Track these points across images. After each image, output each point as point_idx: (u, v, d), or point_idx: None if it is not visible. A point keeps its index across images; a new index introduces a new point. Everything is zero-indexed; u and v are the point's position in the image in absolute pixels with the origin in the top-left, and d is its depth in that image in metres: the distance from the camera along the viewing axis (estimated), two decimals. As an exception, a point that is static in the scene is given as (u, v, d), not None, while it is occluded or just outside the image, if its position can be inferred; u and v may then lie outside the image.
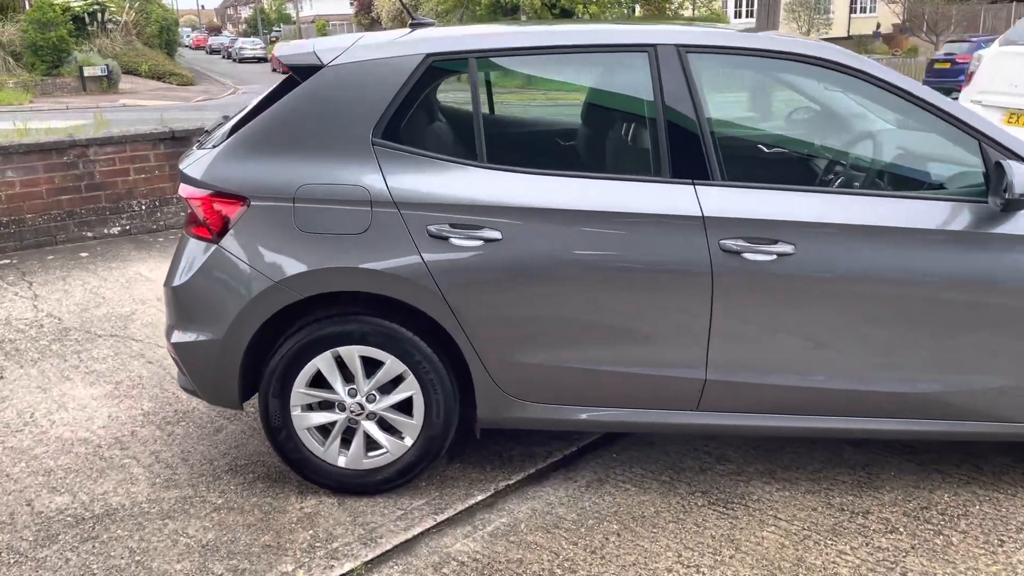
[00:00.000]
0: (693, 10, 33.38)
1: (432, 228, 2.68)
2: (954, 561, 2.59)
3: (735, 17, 39.52)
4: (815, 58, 2.77)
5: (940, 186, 2.92)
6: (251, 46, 52.54)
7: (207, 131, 3.27)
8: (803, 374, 2.76)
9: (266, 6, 75.56)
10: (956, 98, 7.16)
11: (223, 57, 56.42)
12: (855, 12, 42.79)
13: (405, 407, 2.87)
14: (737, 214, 2.65)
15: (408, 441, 2.90)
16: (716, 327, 2.71)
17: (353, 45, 2.85)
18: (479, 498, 2.95)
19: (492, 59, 2.95)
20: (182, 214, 6.99)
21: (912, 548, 2.65)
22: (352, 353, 2.80)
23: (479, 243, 2.68)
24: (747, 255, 2.64)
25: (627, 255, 2.69)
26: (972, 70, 7.40)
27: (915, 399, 2.77)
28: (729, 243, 2.64)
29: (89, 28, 28.23)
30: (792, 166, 3.43)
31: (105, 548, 2.71)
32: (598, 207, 2.68)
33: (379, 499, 2.95)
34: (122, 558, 2.66)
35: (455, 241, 2.68)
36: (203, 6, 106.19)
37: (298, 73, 2.85)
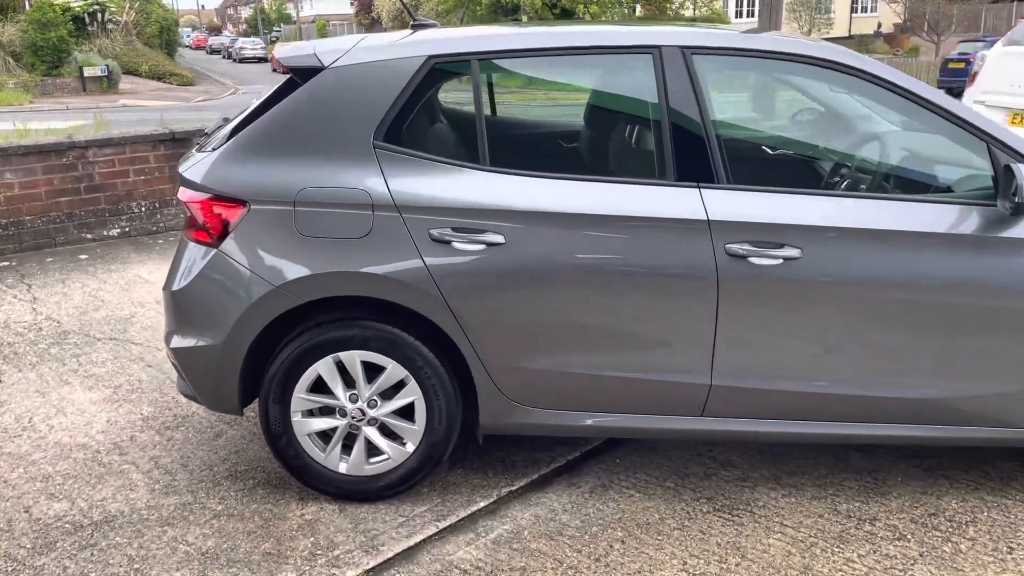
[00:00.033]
0: (694, 10, 33.36)
1: (434, 232, 2.65)
2: (963, 569, 2.56)
3: (736, 17, 39.51)
4: (821, 59, 2.74)
5: (948, 189, 2.89)
6: (251, 46, 52.51)
7: (207, 133, 3.24)
8: (810, 379, 2.73)
9: (266, 6, 75.56)
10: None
11: (223, 57, 56.40)
12: (856, 12, 42.79)
13: (407, 413, 2.84)
14: (743, 218, 2.62)
15: (410, 447, 2.87)
16: (721, 332, 2.68)
17: (354, 47, 2.82)
18: (482, 504, 2.92)
19: (495, 61, 2.91)
20: (182, 216, 6.95)
21: (920, 556, 2.62)
22: (353, 358, 2.77)
23: (482, 247, 2.65)
24: (753, 259, 2.61)
25: (631, 259, 2.66)
26: (976, 70, 7.37)
27: (922, 404, 2.74)
28: (735, 247, 2.61)
29: (89, 28, 28.21)
30: (798, 169, 3.40)
31: (104, 556, 2.68)
32: (602, 211, 2.65)
33: (381, 506, 2.92)
34: (120, 566, 2.63)
35: (457, 245, 2.65)
36: (203, 6, 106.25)
37: (299, 75, 2.82)
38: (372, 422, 2.85)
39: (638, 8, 32.81)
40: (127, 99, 23.81)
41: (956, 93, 7.55)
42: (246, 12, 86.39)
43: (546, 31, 3.03)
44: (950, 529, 2.76)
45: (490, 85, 3.69)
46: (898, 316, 2.66)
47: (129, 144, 6.74)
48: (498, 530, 2.79)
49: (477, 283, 2.67)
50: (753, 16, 37.85)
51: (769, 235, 2.61)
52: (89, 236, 6.69)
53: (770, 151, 3.49)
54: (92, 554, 2.69)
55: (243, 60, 51.01)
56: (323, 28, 62.52)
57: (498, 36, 2.97)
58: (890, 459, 3.18)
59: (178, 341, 2.86)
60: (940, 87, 17.58)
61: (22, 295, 5.36)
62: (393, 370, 2.77)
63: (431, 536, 2.76)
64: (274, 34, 67.14)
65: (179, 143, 6.91)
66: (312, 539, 2.75)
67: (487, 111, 3.39)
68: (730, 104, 3.79)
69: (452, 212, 2.66)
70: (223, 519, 2.87)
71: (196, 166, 2.82)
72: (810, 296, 2.64)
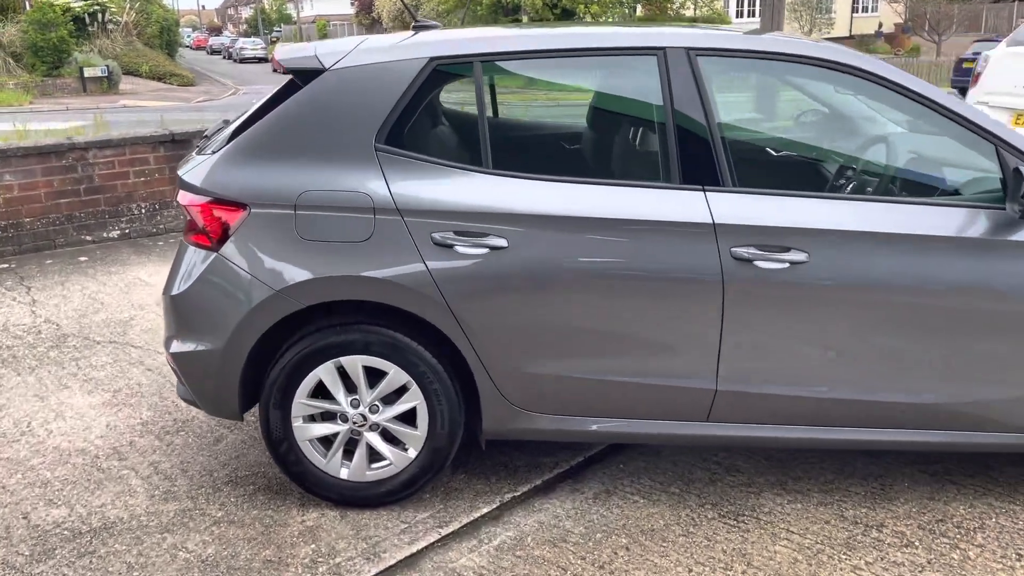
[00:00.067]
0: (695, 10, 33.33)
1: (437, 236, 2.62)
2: (972, 577, 2.53)
3: (736, 17, 39.50)
4: (826, 61, 2.71)
5: (955, 192, 2.86)
6: (252, 46, 52.51)
7: (206, 136, 3.21)
8: (816, 384, 2.70)
9: (267, 6, 75.52)
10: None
11: (224, 57, 56.38)
12: (857, 12, 42.77)
13: (409, 418, 2.81)
14: (748, 221, 2.59)
15: (412, 453, 2.84)
16: (727, 337, 2.65)
17: (356, 48, 2.79)
18: (484, 511, 2.89)
19: (498, 63, 2.88)
20: (182, 218, 6.93)
21: (928, 563, 2.59)
22: (355, 363, 2.74)
23: (485, 251, 2.62)
24: (759, 263, 2.58)
25: (636, 263, 2.63)
26: (979, 71, 7.34)
27: (930, 409, 2.71)
28: (741, 251, 2.58)
29: (89, 29, 28.20)
30: (804, 171, 3.36)
31: (103, 563, 2.65)
32: (606, 214, 2.62)
33: (382, 512, 2.89)
34: (120, 574, 2.60)
35: (460, 249, 2.62)
36: (204, 6, 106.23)
37: (300, 77, 2.79)
38: (374, 427, 2.82)
39: (639, 8, 32.77)
40: (127, 100, 23.80)
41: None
42: (246, 12, 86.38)
43: (549, 33, 3.00)
44: (958, 536, 2.73)
45: (492, 87, 3.66)
46: (905, 320, 2.63)
47: (129, 146, 6.71)
48: (501, 537, 2.76)
49: (480, 287, 2.64)
50: (754, 16, 37.81)
51: (775, 239, 2.58)
52: (89, 238, 6.66)
53: (775, 153, 3.46)
54: (91, 561, 2.66)
55: (243, 60, 50.99)
56: (323, 28, 62.48)
57: (501, 38, 2.94)
58: (896, 464, 3.15)
59: (178, 346, 2.83)
60: (954, 87, 17.51)
61: (21, 297, 5.34)
62: (395, 375, 2.75)
63: (433, 543, 2.73)
64: (274, 34, 67.11)
65: (179, 144, 6.88)
66: (313, 546, 2.72)
67: (489, 113, 3.36)
68: (733, 105, 3.76)
69: (455, 215, 2.63)
70: (223, 526, 2.84)
71: (196, 169, 2.79)
72: (817, 300, 2.61)
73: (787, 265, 2.57)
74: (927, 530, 2.75)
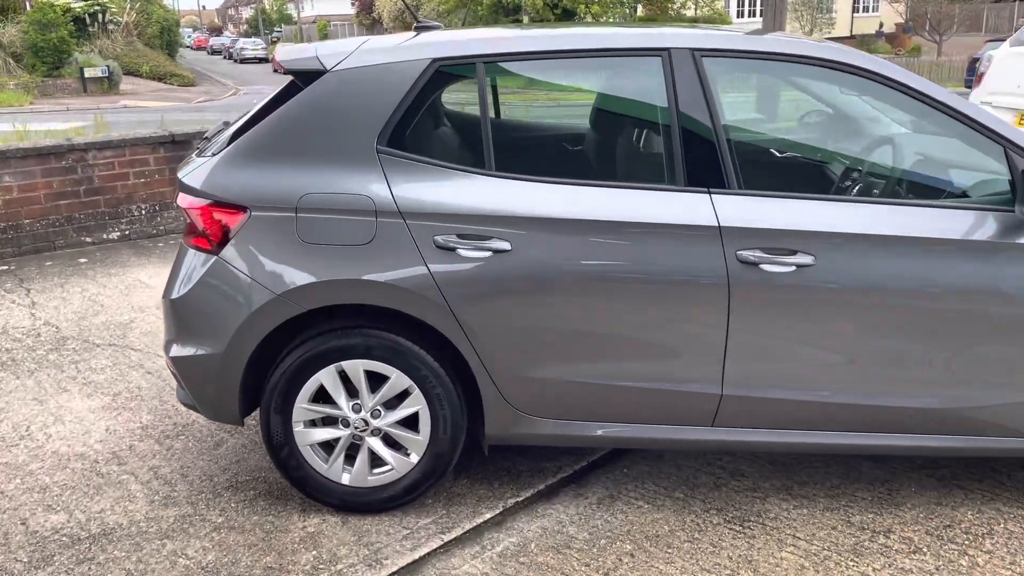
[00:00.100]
0: (696, 10, 33.29)
1: (439, 239, 2.59)
2: (981, 584, 2.50)
3: (737, 17, 39.47)
4: (832, 61, 2.68)
5: (963, 194, 2.83)
6: (252, 46, 52.46)
7: (207, 137, 3.18)
8: (822, 389, 2.67)
9: (267, 6, 75.51)
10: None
11: (224, 58, 56.35)
12: (858, 11, 42.73)
13: (411, 423, 2.79)
14: (754, 223, 2.56)
15: (414, 458, 2.81)
16: (733, 341, 2.62)
17: (357, 49, 2.76)
18: (487, 516, 2.87)
19: (500, 64, 2.85)
20: (182, 219, 6.90)
21: (937, 569, 2.56)
22: (356, 367, 2.71)
23: (487, 254, 2.59)
24: (765, 266, 2.55)
25: (640, 266, 2.60)
26: (982, 71, 7.31)
27: (937, 414, 2.68)
28: (746, 254, 2.55)
29: (90, 29, 28.19)
30: (810, 173, 3.33)
31: (102, 570, 2.62)
32: (610, 216, 2.59)
33: (384, 518, 2.86)
34: (119, 581, 2.58)
35: (463, 252, 2.59)
36: (204, 6, 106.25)
37: (301, 78, 2.76)
38: (375, 432, 2.80)
39: (639, 8, 32.74)
40: (128, 100, 23.78)
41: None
42: (247, 12, 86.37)
43: (552, 33, 2.97)
44: (966, 541, 2.70)
45: (495, 88, 3.63)
46: (912, 324, 2.60)
47: (129, 147, 6.69)
48: (504, 543, 2.73)
49: (483, 291, 2.62)
50: (755, 16, 37.79)
51: (781, 242, 2.55)
52: (88, 239, 6.63)
53: (780, 155, 3.43)
54: (90, 568, 2.63)
55: (244, 61, 50.95)
56: (324, 29, 62.46)
57: (503, 38, 2.91)
58: (903, 469, 3.12)
59: (178, 350, 2.81)
60: (967, 86, 17.45)
61: (20, 300, 5.31)
62: (397, 379, 2.72)
63: (436, 549, 2.70)
64: (275, 35, 67.06)
65: (179, 145, 6.86)
66: (314, 552, 2.69)
67: (492, 114, 3.33)
68: (736, 106, 3.73)
69: (457, 218, 2.60)
70: (223, 532, 2.81)
71: (196, 171, 2.76)
72: (823, 304, 2.58)
73: (793, 268, 2.54)
74: (935, 536, 2.72)
